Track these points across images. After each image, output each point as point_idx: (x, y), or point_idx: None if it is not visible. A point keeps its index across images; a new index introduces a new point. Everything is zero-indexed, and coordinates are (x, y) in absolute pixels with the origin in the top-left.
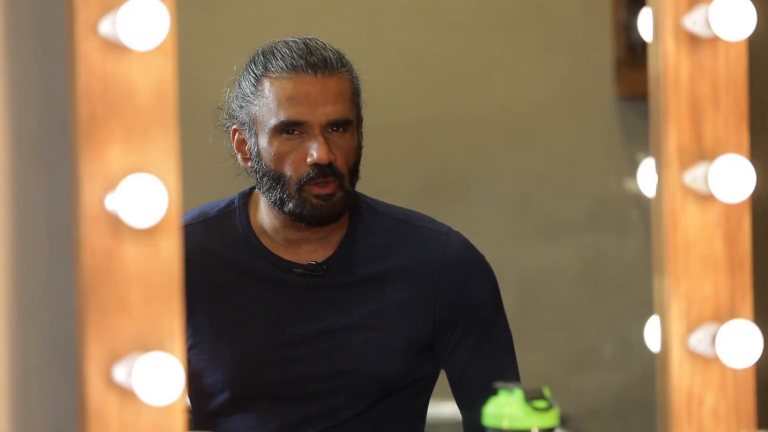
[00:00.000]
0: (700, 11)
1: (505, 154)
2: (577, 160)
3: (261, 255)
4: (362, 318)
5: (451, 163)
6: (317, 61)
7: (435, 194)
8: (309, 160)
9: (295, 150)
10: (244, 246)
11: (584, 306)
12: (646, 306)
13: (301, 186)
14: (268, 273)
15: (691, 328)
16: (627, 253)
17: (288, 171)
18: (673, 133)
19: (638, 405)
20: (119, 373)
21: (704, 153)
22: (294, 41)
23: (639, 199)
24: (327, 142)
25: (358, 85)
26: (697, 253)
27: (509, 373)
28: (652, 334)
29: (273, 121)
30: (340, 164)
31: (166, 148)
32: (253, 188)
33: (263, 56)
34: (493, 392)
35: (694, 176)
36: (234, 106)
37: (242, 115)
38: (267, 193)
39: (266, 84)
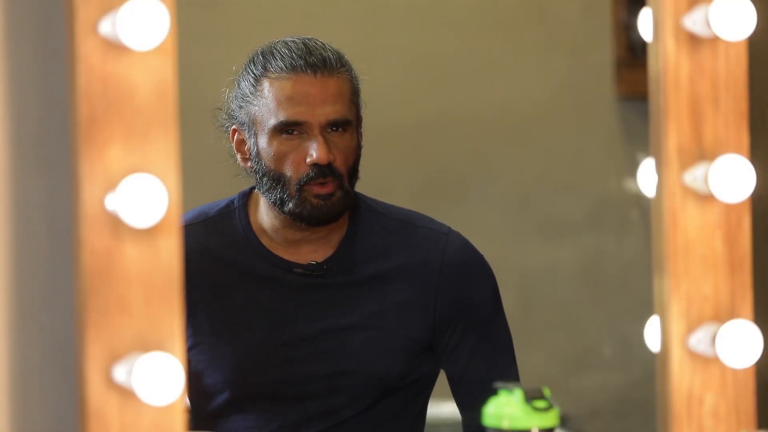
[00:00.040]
0: (700, 11)
1: (505, 154)
2: (577, 160)
3: (261, 255)
4: (362, 318)
5: (451, 163)
6: (316, 62)
7: (435, 194)
8: (308, 160)
9: (295, 150)
10: (243, 246)
11: (584, 306)
12: (646, 306)
13: (301, 186)
14: (268, 273)
15: (691, 328)
16: (627, 253)
17: (288, 171)
18: (673, 133)
19: (638, 405)
20: (119, 373)
21: (704, 153)
22: (293, 41)
23: (639, 199)
24: (326, 142)
25: (358, 85)
26: (697, 253)
27: (509, 373)
28: (652, 334)
29: (272, 122)
30: (340, 164)
31: (166, 148)
32: (253, 188)
33: (262, 56)
34: (493, 392)
35: (694, 176)
36: (233, 106)
37: (242, 116)
38: (267, 193)
39: (266, 84)
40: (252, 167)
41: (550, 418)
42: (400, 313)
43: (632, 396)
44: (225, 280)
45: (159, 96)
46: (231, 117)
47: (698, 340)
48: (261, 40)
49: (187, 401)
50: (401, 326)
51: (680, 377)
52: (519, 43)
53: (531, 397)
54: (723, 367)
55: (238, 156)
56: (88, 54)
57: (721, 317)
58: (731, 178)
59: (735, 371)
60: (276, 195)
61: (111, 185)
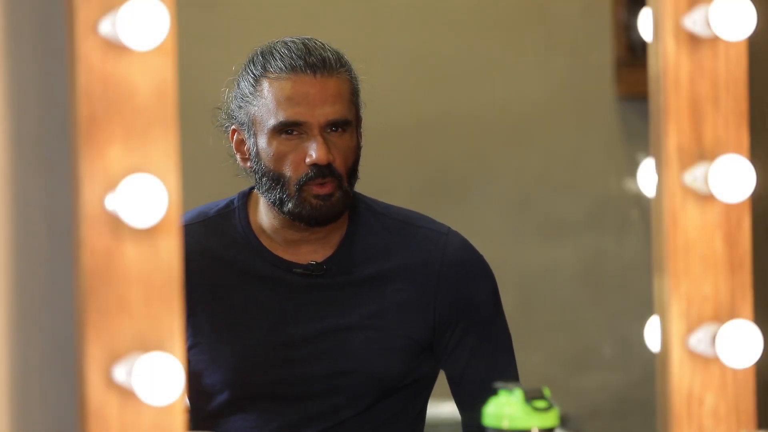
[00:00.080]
0: (700, 11)
1: (505, 154)
2: (577, 160)
3: (260, 255)
4: (362, 318)
5: (451, 163)
6: (316, 62)
7: (435, 194)
8: (308, 160)
9: (294, 150)
10: (243, 246)
11: (584, 306)
12: (646, 306)
13: (301, 186)
14: (268, 273)
15: (691, 328)
16: (627, 253)
17: (287, 171)
18: (673, 133)
19: (638, 405)
20: (119, 373)
21: (704, 153)
22: (293, 41)
23: (639, 199)
24: (326, 142)
25: (357, 85)
26: (697, 253)
27: (509, 373)
28: (652, 334)
29: (272, 122)
30: (339, 164)
31: (166, 148)
32: (253, 188)
33: (262, 57)
34: (493, 392)
35: (694, 176)
36: (233, 106)
37: (241, 116)
38: (266, 193)
39: (265, 84)
40: (251, 167)
41: (550, 418)
42: (400, 313)
43: (632, 396)
44: (225, 280)
45: (159, 96)
46: (230, 117)
47: (698, 340)
48: (261, 40)
49: (187, 401)
50: (401, 326)
51: (680, 377)
52: (519, 43)
53: (531, 397)
54: (723, 367)
55: (238, 156)
56: (88, 54)
57: (721, 317)
58: (731, 178)
59: (735, 371)
60: (275, 195)
61: (111, 185)
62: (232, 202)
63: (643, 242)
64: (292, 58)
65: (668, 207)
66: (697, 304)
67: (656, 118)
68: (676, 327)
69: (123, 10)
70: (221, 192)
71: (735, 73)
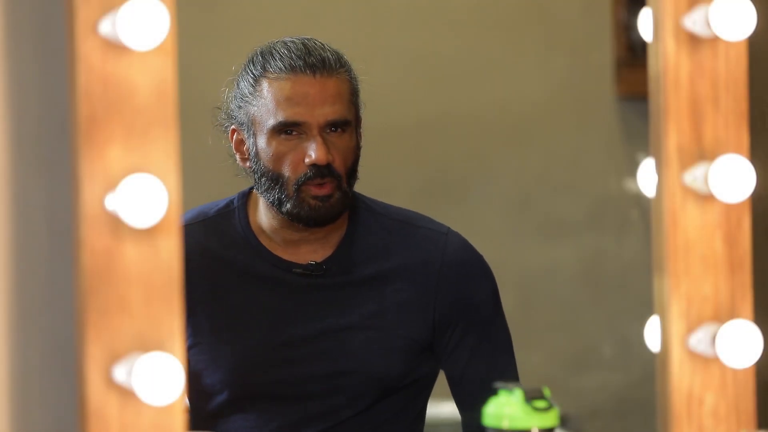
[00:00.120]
0: (700, 11)
1: (505, 154)
2: (577, 160)
3: (260, 255)
4: (362, 318)
5: (451, 163)
6: (315, 62)
7: (435, 194)
8: (307, 160)
9: (294, 150)
10: (243, 246)
11: (584, 306)
12: (646, 306)
13: (299, 186)
14: (268, 273)
15: (691, 328)
16: (627, 253)
17: (286, 171)
18: (673, 133)
19: (638, 405)
20: (119, 373)
21: (704, 153)
22: (292, 42)
23: (639, 199)
24: (325, 142)
25: (357, 85)
26: (697, 253)
27: (509, 373)
28: (652, 334)
29: (271, 122)
30: (339, 165)
31: (166, 148)
32: (252, 188)
33: (262, 57)
34: (493, 392)
35: (694, 176)
36: (232, 106)
37: (241, 116)
38: (265, 193)
39: (264, 84)
40: (251, 167)
41: (550, 418)
42: (400, 313)
43: (632, 396)
44: (224, 279)
45: (159, 96)
46: (230, 117)
47: (698, 340)
48: (261, 40)
49: (187, 401)
50: (401, 326)
51: (680, 377)
52: (519, 43)
53: (531, 397)
54: (723, 367)
55: (237, 156)
56: (88, 54)
57: (721, 317)
58: (731, 178)
59: (735, 371)
60: (274, 195)
61: (111, 185)
62: (231, 202)
63: (643, 242)
64: (291, 58)
65: (668, 207)
66: (697, 304)
67: (656, 118)
68: (676, 327)
69: (123, 10)
70: (221, 192)
71: (735, 73)
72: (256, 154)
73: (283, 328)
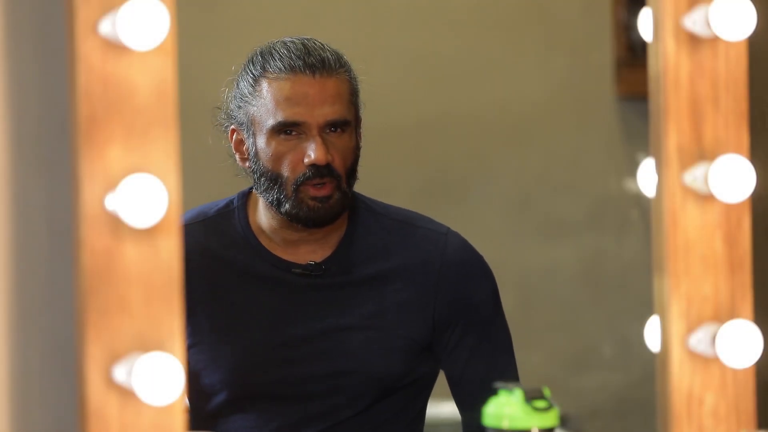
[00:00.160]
0: (700, 11)
1: (505, 154)
2: (577, 160)
3: (260, 255)
4: (362, 318)
5: (451, 163)
6: (315, 62)
7: (435, 194)
8: (306, 160)
9: (293, 150)
10: (243, 246)
11: (584, 306)
12: (646, 306)
13: (298, 186)
14: (267, 273)
15: (691, 328)
16: (627, 253)
17: (285, 171)
18: (673, 133)
19: (638, 405)
20: (119, 373)
21: (704, 153)
22: (292, 42)
23: (639, 199)
24: (325, 142)
25: (357, 85)
26: (697, 253)
27: (508, 373)
28: (652, 334)
29: (271, 122)
30: (338, 165)
31: (166, 148)
32: (252, 188)
33: (261, 57)
34: (493, 392)
35: (694, 176)
36: (232, 106)
37: (240, 116)
38: (264, 193)
39: (264, 84)
40: (250, 167)
41: (550, 418)
42: (400, 313)
43: (632, 396)
44: (224, 279)
45: (159, 96)
46: (230, 117)
47: (698, 340)
48: (261, 40)
49: (187, 401)
50: (401, 326)
51: (680, 377)
52: (519, 43)
53: (531, 397)
54: (723, 367)
55: (237, 156)
56: (88, 54)
57: (721, 317)
58: (731, 178)
59: (735, 371)
60: (273, 195)
61: (111, 185)
62: (231, 201)
63: (643, 242)
64: (291, 58)
65: (668, 207)
66: (697, 304)
67: (656, 118)
68: (676, 327)
69: (123, 10)
70: (221, 192)
71: (735, 73)
72: (256, 154)
73: (283, 328)
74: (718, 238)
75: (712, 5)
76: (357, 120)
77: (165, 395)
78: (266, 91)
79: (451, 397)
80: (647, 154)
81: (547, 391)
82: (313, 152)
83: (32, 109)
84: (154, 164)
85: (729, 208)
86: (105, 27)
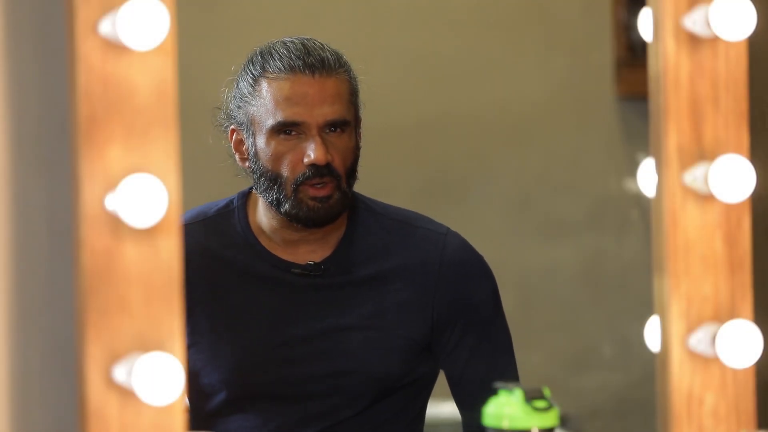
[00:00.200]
0: (700, 11)
1: (505, 154)
2: (577, 160)
3: (259, 255)
4: (361, 318)
5: (451, 163)
6: (315, 62)
7: (435, 194)
8: (306, 160)
9: (293, 150)
10: (242, 246)
11: (584, 306)
12: (646, 306)
13: (297, 186)
14: (267, 273)
15: (691, 328)
16: (627, 253)
17: (285, 171)
18: (673, 133)
19: (638, 405)
20: (119, 373)
21: (704, 153)
22: (292, 42)
23: (639, 199)
24: (324, 142)
25: (356, 85)
26: (697, 253)
27: (508, 373)
28: (652, 334)
29: (270, 122)
30: (338, 165)
31: (166, 148)
32: (252, 188)
33: (261, 57)
34: (493, 392)
35: (694, 176)
36: (232, 106)
37: (240, 116)
38: (264, 193)
39: (264, 84)
40: (250, 167)
41: (550, 418)
42: (400, 313)
43: (632, 396)
44: (224, 279)
45: (159, 96)
46: (229, 117)
47: (698, 340)
48: (261, 40)
49: (187, 401)
50: (401, 326)
51: (680, 377)
52: (519, 43)
53: (531, 397)
54: (723, 367)
55: (237, 156)
56: (88, 54)
57: (721, 317)
58: (731, 178)
59: (735, 371)
60: (273, 195)
61: (111, 185)
62: (231, 201)
63: (643, 242)
64: (290, 58)
65: (668, 207)
66: (697, 304)
67: (656, 118)
68: (676, 327)
69: (123, 10)
70: (221, 192)
71: (735, 73)
72: (256, 154)
73: (283, 328)
74: (718, 238)
75: (712, 5)
76: (357, 120)
77: (165, 395)
78: (266, 91)
79: (451, 397)
80: (647, 154)
81: (547, 391)
82: (312, 152)
83: (32, 109)
84: (154, 164)
85: (729, 208)
86: (105, 27)
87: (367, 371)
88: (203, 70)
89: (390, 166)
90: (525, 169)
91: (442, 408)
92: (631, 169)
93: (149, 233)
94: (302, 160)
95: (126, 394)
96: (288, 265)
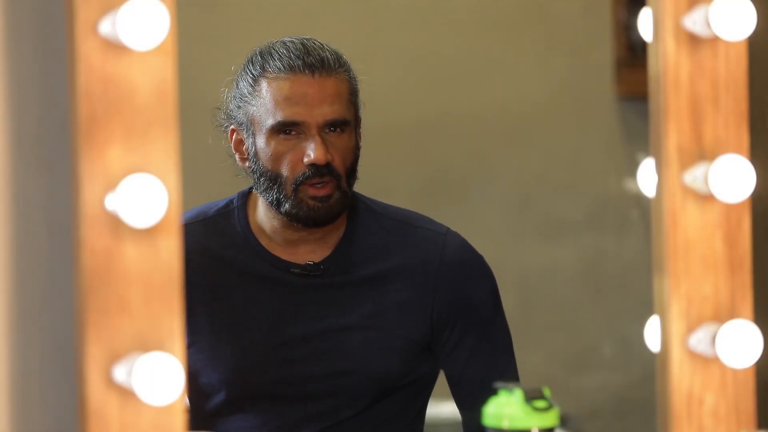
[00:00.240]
0: (700, 11)
1: (505, 154)
2: (577, 160)
3: (259, 255)
4: (361, 318)
5: (451, 163)
6: (314, 62)
7: (435, 194)
8: (306, 160)
9: (292, 150)
10: (242, 246)
11: (584, 306)
12: (646, 306)
13: (297, 186)
14: (267, 273)
15: (691, 328)
16: (627, 253)
17: (285, 171)
18: (673, 133)
19: (638, 405)
20: (119, 373)
21: (704, 153)
22: (292, 41)
23: (639, 199)
24: (324, 142)
25: (356, 85)
26: (697, 253)
27: (508, 373)
28: (652, 334)
29: (270, 122)
30: (338, 164)
31: (166, 148)
32: (252, 188)
33: (261, 56)
34: (493, 392)
35: (694, 176)
36: (232, 106)
37: (240, 116)
38: (264, 193)
39: (264, 84)
40: (250, 167)
41: (550, 418)
42: (400, 313)
43: (632, 396)
44: (223, 279)
45: (159, 96)
46: (229, 117)
47: (698, 340)
48: (261, 40)
49: (187, 401)
50: (400, 326)
51: (680, 377)
52: (519, 43)
53: (531, 397)
54: (723, 367)
55: (237, 156)
56: (88, 54)
57: (721, 317)
58: (731, 178)
59: (735, 371)
60: (273, 195)
61: (111, 185)
62: (231, 201)
63: (643, 242)
64: (290, 58)
65: (668, 207)
66: (697, 304)
67: (656, 118)
68: (676, 327)
69: (123, 10)
70: (221, 192)
71: (735, 73)
72: (255, 153)
73: (282, 328)
74: (718, 238)
75: (712, 5)
76: (357, 120)
77: (165, 395)
78: (266, 90)
79: (451, 397)
80: (647, 154)
81: (547, 391)
82: (312, 152)
83: (32, 109)
84: (154, 164)
85: (729, 208)
86: (105, 27)
87: (367, 371)
88: (203, 70)
89: (390, 166)
90: (525, 169)
91: (442, 408)
92: (631, 169)
93: (149, 233)
94: (302, 160)
95: (126, 394)
96: (288, 265)
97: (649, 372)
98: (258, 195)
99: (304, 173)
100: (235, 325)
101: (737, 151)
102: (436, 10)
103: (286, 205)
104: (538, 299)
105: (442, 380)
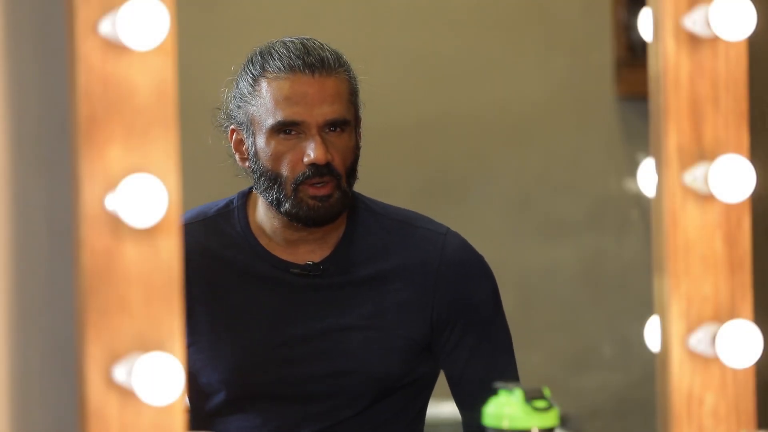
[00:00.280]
0: (700, 11)
1: (505, 154)
2: (577, 160)
3: (259, 255)
4: (361, 318)
5: (451, 163)
6: (314, 62)
7: (435, 194)
8: (306, 160)
9: (292, 150)
10: (242, 246)
11: (584, 306)
12: (646, 306)
13: (297, 186)
14: (266, 273)
15: (691, 328)
16: (627, 253)
17: (285, 171)
18: (673, 133)
19: (638, 405)
20: (119, 373)
21: (704, 153)
22: (292, 41)
23: (639, 199)
24: (324, 142)
25: (356, 85)
26: (697, 253)
27: (508, 373)
28: (652, 334)
29: (270, 121)
30: (338, 164)
31: (166, 148)
32: (252, 188)
33: (261, 56)
34: (493, 392)
35: (694, 176)
36: (232, 106)
37: (240, 115)
38: (264, 193)
39: (263, 84)
40: (250, 167)
41: (550, 418)
42: (400, 313)
43: (632, 396)
44: (223, 279)
45: (159, 96)
46: (229, 117)
47: (698, 340)
48: (261, 40)
49: (187, 401)
50: (400, 326)
51: (680, 377)
52: (519, 43)
53: (531, 397)
54: (723, 367)
55: (237, 156)
56: (88, 54)
57: (721, 317)
58: (731, 178)
59: (735, 371)
60: (273, 195)
61: (111, 185)
62: (231, 201)
63: (643, 242)
64: (290, 57)
65: (668, 207)
66: (697, 304)
67: (656, 118)
68: (676, 327)
69: (123, 10)
70: (221, 192)
71: (735, 73)
72: (255, 153)
73: (282, 328)
74: (718, 238)
75: (712, 5)
76: (356, 119)
77: (165, 395)
78: (266, 90)
79: (451, 397)
80: (647, 154)
81: (547, 391)
82: (312, 151)
83: (32, 109)
84: (154, 164)
85: (729, 208)
86: (105, 27)
87: (367, 371)
88: (203, 70)
89: (390, 166)
90: (525, 169)
91: (442, 408)
92: (631, 169)
93: (149, 233)
94: (302, 160)
95: (126, 394)
96: (287, 265)
97: (649, 372)
98: (258, 195)
99: (304, 173)
100: (235, 325)
101: (737, 151)
102: (436, 10)
103: (286, 205)
104: (538, 299)
105: (442, 380)
